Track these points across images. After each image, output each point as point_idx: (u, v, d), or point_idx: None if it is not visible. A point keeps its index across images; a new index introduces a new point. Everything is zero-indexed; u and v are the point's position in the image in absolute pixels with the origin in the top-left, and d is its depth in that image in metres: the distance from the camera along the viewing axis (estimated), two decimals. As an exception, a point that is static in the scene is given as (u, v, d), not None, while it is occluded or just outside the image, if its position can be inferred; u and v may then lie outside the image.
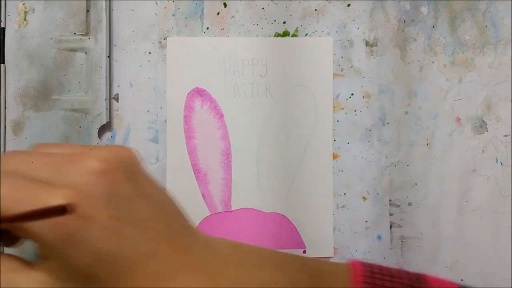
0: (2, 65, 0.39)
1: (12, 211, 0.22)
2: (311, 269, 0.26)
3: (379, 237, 0.40)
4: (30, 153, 0.25)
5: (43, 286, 0.23)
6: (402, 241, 0.40)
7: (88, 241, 0.23)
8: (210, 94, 0.40)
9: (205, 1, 0.40)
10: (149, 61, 0.40)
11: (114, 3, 0.40)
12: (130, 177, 0.25)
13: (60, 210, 0.21)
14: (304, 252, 0.39)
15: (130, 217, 0.24)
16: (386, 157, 0.40)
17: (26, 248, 0.26)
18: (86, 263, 0.23)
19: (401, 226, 0.40)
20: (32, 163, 0.24)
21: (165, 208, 0.26)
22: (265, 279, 0.25)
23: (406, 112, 0.40)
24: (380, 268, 0.26)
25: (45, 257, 0.24)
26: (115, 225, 0.23)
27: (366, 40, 0.40)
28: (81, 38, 0.39)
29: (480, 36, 0.40)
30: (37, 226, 0.22)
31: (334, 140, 0.40)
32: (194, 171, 0.39)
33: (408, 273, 0.26)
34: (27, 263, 0.24)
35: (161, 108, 0.40)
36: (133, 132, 0.40)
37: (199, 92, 0.40)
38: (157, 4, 0.40)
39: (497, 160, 0.40)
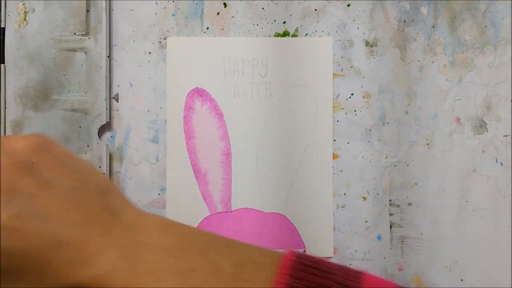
0: (2, 65, 0.39)
1: None
2: (238, 257, 0.26)
3: (379, 237, 0.40)
4: None
5: None
6: (402, 241, 0.40)
7: None
8: (210, 94, 0.40)
9: (205, 1, 0.40)
10: (149, 61, 0.40)
11: (114, 3, 0.40)
12: (29, 170, 0.25)
13: None
14: (305, 252, 0.39)
15: (32, 212, 0.24)
16: (386, 157, 0.40)
17: None
18: None
19: (401, 226, 0.40)
20: None
21: (79, 193, 0.26)
22: (185, 266, 0.25)
23: (406, 112, 0.40)
24: (315, 261, 0.25)
25: None
26: (17, 222, 0.24)
27: (366, 40, 0.40)
28: (81, 38, 0.39)
29: (480, 36, 0.40)
30: None
31: (334, 140, 0.40)
32: (194, 171, 0.39)
33: (346, 270, 0.25)
34: None
35: (161, 108, 0.40)
36: (133, 132, 0.40)
37: (199, 92, 0.40)
38: (157, 4, 0.40)
39: (497, 160, 0.40)
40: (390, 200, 0.40)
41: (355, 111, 0.40)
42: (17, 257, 0.24)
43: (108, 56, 0.39)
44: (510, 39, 0.40)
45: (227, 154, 0.39)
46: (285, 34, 0.40)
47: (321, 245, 0.39)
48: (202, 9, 0.40)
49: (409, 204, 0.40)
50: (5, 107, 0.39)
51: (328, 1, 0.40)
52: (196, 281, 0.25)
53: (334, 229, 0.40)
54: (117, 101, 0.40)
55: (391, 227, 0.40)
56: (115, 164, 0.40)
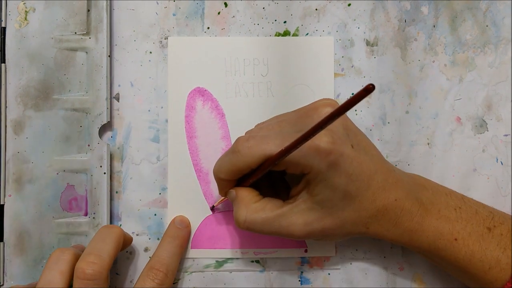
0: (3, 64, 0.39)
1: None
2: (487, 206, 0.36)
3: (380, 237, 0.40)
4: (267, 123, 0.35)
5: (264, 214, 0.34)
6: (402, 241, 0.40)
7: (343, 165, 0.31)
8: (211, 94, 0.40)
9: (205, 1, 0.40)
10: (149, 60, 0.40)
11: (115, 2, 0.40)
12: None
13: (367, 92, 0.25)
14: (306, 251, 0.39)
15: (360, 145, 0.33)
16: (387, 157, 0.40)
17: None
18: (342, 181, 0.32)
19: (402, 226, 0.40)
20: (281, 123, 0.34)
21: (382, 159, 0.35)
22: (454, 205, 0.35)
23: (407, 112, 0.40)
24: None
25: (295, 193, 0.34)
26: (353, 151, 0.32)
27: (367, 40, 0.40)
28: (81, 38, 0.39)
29: (481, 36, 0.41)
30: (311, 161, 0.31)
31: (335, 140, 0.40)
32: (195, 170, 0.39)
33: None
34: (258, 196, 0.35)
35: (161, 107, 0.40)
36: (134, 131, 0.40)
37: (200, 92, 0.40)
38: (157, 3, 0.40)
39: (497, 159, 0.40)
40: (390, 200, 0.40)
41: (355, 110, 0.40)
42: (353, 180, 0.32)
43: (109, 56, 0.39)
44: (510, 38, 0.40)
45: (228, 154, 0.39)
46: (286, 33, 0.40)
47: (322, 244, 0.39)
48: (203, 9, 0.40)
49: (410, 203, 0.40)
50: (5, 107, 0.39)
51: (328, 1, 0.40)
52: (464, 216, 0.34)
53: (335, 228, 0.40)
54: (118, 101, 0.40)
55: (391, 226, 0.40)
56: (116, 164, 0.40)
